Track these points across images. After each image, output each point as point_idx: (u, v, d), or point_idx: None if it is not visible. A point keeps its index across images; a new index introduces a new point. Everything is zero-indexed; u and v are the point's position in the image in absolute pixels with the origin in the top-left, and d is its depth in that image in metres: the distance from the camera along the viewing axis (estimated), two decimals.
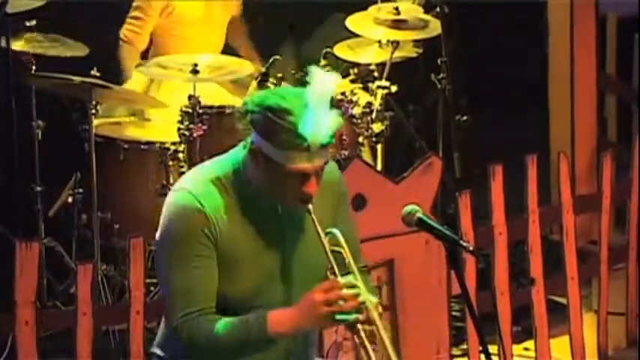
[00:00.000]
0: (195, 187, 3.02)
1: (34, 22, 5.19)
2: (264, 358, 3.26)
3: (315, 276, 3.15)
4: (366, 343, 3.12)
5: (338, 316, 3.00)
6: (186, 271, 3.07)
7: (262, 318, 3.03)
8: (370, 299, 3.04)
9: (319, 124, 3.01)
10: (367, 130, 5.14)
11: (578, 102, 7.10)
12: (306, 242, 3.11)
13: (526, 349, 5.13)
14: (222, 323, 2.98)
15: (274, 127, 2.96)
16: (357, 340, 3.11)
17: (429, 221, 2.98)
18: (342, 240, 3.06)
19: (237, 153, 3.05)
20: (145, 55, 5.48)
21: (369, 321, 3.05)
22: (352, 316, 2.99)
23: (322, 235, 3.03)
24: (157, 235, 3.13)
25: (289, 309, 3.07)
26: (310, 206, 3.09)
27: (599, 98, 7.17)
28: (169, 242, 3.05)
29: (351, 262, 3.08)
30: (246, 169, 3.06)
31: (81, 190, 5.22)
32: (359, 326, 3.08)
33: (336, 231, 3.07)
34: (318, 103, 3.01)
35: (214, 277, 3.08)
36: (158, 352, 3.37)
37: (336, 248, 3.08)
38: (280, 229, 3.17)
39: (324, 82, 3.04)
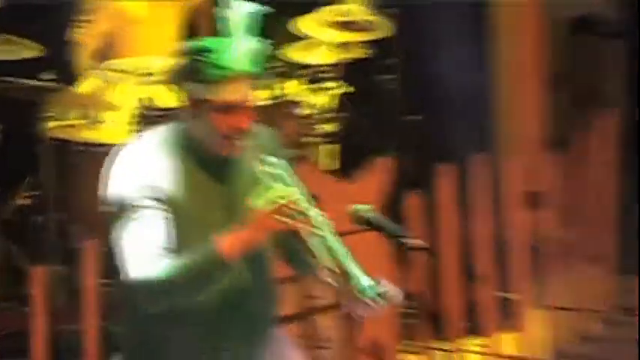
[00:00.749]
0: (136, 147, 3.21)
1: None
2: (229, 324, 3.38)
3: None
4: (312, 229, 3.25)
5: (283, 219, 3.14)
6: (139, 224, 3.23)
7: (210, 242, 3.17)
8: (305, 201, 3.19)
9: (238, 51, 3.16)
10: (319, 130, 5.27)
11: (525, 102, 7.46)
12: (249, 186, 3.26)
13: (476, 345, 5.36)
14: (175, 261, 3.13)
15: (197, 65, 3.14)
16: (303, 236, 3.24)
17: (378, 220, 3.10)
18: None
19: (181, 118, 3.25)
20: (101, 55, 5.52)
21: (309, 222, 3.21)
22: (296, 217, 3.15)
23: (260, 170, 3.19)
24: (108, 197, 3.29)
25: (235, 230, 3.22)
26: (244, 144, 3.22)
27: (546, 98, 7.38)
28: (121, 202, 3.23)
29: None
30: (188, 125, 3.24)
31: (36, 193, 5.34)
32: (302, 226, 3.23)
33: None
34: (236, 32, 3.18)
35: (164, 228, 3.22)
36: (118, 329, 3.48)
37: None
38: (225, 176, 3.33)
39: (239, 10, 3.18)
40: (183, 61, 3.25)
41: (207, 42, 3.21)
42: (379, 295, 3.18)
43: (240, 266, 3.28)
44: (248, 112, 3.27)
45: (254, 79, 3.26)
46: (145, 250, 3.23)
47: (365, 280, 3.22)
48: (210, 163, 3.32)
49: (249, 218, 3.21)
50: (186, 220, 3.28)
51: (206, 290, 3.31)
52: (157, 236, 3.23)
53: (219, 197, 3.31)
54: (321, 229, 3.21)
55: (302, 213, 3.18)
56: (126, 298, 3.42)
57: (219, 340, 3.45)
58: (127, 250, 3.26)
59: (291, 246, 3.47)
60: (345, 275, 3.29)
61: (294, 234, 3.28)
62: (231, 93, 3.25)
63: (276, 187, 3.23)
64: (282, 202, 3.18)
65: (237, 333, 3.44)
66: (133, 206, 3.22)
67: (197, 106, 3.23)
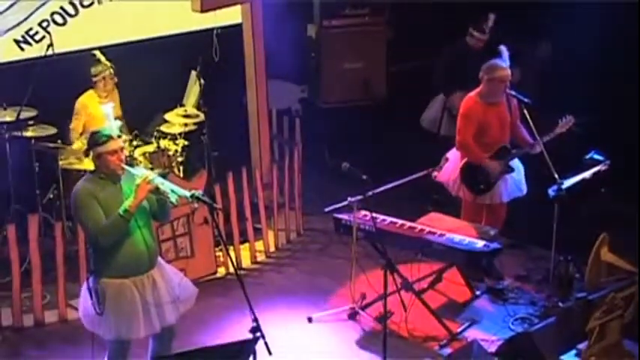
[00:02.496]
0: (81, 183, 6.53)
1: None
2: (136, 248, 6.64)
3: (144, 207, 6.65)
4: (159, 185, 6.50)
5: (149, 186, 6.34)
6: (90, 211, 6.46)
7: (123, 205, 6.39)
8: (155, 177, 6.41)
9: (111, 129, 6.47)
10: (173, 158, 9.57)
11: (261, 125, 10.30)
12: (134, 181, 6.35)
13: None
14: (110, 218, 6.43)
15: (94, 138, 6.49)
16: (163, 190, 6.45)
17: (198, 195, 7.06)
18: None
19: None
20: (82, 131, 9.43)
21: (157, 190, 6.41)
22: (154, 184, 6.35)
23: (139, 179, 6.38)
24: (72, 204, 6.53)
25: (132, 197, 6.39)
26: (126, 168, 6.39)
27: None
28: (78, 205, 6.51)
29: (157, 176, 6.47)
30: (97, 169, 6.52)
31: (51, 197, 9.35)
32: (162, 188, 6.46)
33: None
34: (109, 121, 6.53)
35: (102, 214, 6.47)
36: (92, 268, 6.71)
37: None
38: (121, 187, 6.55)
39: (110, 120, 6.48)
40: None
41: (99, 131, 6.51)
42: (201, 195, 6.50)
43: (135, 214, 6.45)
44: (122, 155, 6.51)
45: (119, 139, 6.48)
46: (96, 218, 6.42)
47: (190, 192, 6.52)
48: (116, 184, 6.53)
49: (136, 189, 6.43)
50: (109, 212, 6.44)
51: (124, 226, 6.45)
52: (98, 212, 6.46)
53: (123, 198, 6.47)
54: (163, 184, 6.48)
55: (153, 180, 6.45)
56: (90, 240, 6.55)
57: (136, 245, 6.59)
58: (87, 226, 6.48)
59: (156, 207, 6.65)
60: (181, 197, 6.51)
61: (157, 191, 6.42)
62: (112, 145, 6.48)
63: (142, 174, 6.47)
64: (147, 178, 6.42)
65: (140, 241, 6.58)
66: (86, 205, 6.46)
67: (98, 158, 6.50)
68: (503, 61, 8.95)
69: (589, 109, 9.41)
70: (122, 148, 6.55)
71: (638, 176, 9.56)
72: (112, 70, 9.71)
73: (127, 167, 6.52)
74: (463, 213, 9.09)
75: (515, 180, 9.14)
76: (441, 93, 10.41)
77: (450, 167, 9.14)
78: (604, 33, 10.12)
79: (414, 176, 9.06)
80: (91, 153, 6.58)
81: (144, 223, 6.69)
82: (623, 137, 9.78)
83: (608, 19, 10.14)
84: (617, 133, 9.79)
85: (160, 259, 6.95)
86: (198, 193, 6.57)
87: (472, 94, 8.98)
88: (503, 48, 9.09)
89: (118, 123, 6.64)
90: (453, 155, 9.19)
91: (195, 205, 6.70)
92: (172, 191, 6.52)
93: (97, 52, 9.79)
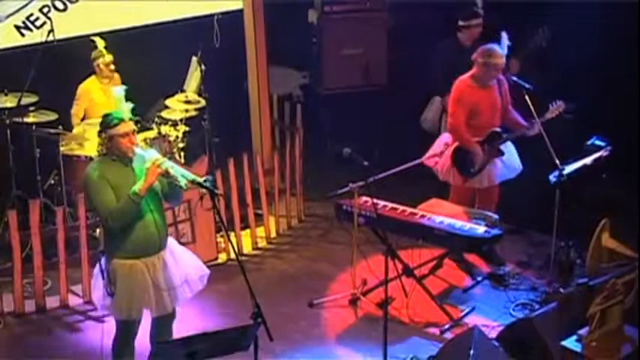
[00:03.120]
0: (92, 165, 6.60)
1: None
2: (147, 230, 6.67)
3: (153, 187, 6.63)
4: (169, 169, 6.58)
5: (158, 170, 6.40)
6: (101, 194, 6.52)
7: (133, 188, 6.42)
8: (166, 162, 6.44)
9: (123, 112, 6.58)
10: (174, 144, 9.73)
11: (262, 111, 10.41)
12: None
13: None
14: (122, 201, 6.50)
15: (106, 121, 6.57)
16: (172, 174, 6.50)
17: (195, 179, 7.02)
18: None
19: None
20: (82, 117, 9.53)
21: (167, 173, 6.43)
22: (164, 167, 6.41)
23: (148, 162, 6.43)
24: (84, 185, 6.63)
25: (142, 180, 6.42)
26: (137, 150, 6.43)
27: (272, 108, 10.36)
28: (89, 186, 6.57)
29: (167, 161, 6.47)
30: (109, 151, 6.57)
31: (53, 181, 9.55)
32: (172, 172, 6.51)
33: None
34: (121, 104, 6.60)
35: (112, 196, 6.53)
36: (104, 248, 6.78)
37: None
38: (133, 170, 6.58)
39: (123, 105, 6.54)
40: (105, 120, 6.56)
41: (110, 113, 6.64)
42: (209, 181, 6.62)
43: (147, 196, 6.55)
44: (134, 139, 6.62)
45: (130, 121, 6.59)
46: (107, 206, 6.51)
47: (200, 178, 6.61)
48: (128, 166, 6.60)
49: (147, 172, 6.50)
50: (120, 194, 6.50)
51: (134, 208, 6.53)
52: (109, 194, 6.55)
53: (135, 180, 6.51)
54: (172, 168, 6.52)
55: (163, 164, 6.51)
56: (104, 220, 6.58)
57: (147, 228, 6.64)
58: (99, 207, 6.53)
59: (167, 190, 6.69)
60: (190, 181, 6.54)
61: (167, 175, 6.45)
62: (124, 127, 6.60)
63: (152, 157, 6.54)
64: (157, 161, 6.49)
65: (151, 223, 6.64)
66: (97, 187, 6.53)
67: (110, 139, 6.57)
68: (501, 48, 8.87)
69: (588, 95, 9.45)
70: (134, 131, 6.63)
71: (638, 162, 9.60)
72: (111, 57, 9.75)
73: (138, 150, 6.59)
74: (451, 198, 9.08)
75: (506, 163, 9.12)
76: (438, 93, 10.32)
77: (438, 152, 9.17)
78: (604, 19, 10.06)
79: (415, 162, 9.05)
80: (103, 135, 6.65)
81: (155, 205, 6.75)
82: (623, 123, 9.81)
83: (609, 6, 10.03)
84: (617, 119, 9.79)
85: (172, 240, 7.02)
86: (208, 179, 6.70)
87: (464, 77, 8.95)
88: (504, 34, 9.04)
89: (130, 106, 6.67)
90: (443, 141, 9.20)
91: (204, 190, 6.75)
92: (182, 176, 6.58)
93: (97, 38, 9.82)
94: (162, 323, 7.00)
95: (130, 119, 6.67)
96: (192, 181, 6.59)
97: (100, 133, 6.66)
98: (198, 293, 7.21)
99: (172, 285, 6.73)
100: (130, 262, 6.71)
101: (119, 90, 6.68)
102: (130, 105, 6.70)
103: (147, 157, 6.61)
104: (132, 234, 6.64)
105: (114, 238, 6.70)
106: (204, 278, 7.09)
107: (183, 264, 6.89)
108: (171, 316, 6.98)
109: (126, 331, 6.90)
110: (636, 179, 9.45)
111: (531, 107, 8.77)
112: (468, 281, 9.16)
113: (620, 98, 9.96)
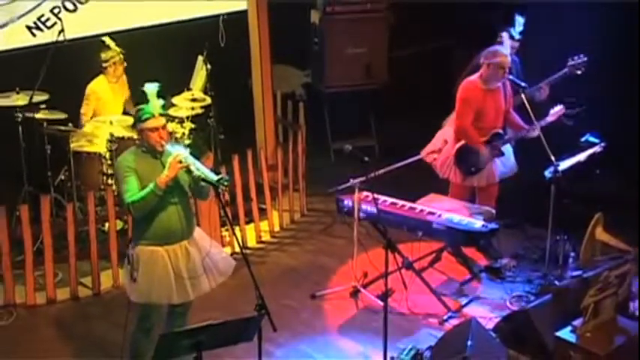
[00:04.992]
0: (124, 155, 6.73)
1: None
2: (170, 220, 6.78)
3: (178, 181, 6.72)
4: (191, 164, 6.60)
5: (179, 165, 6.49)
6: (126, 182, 6.66)
7: (155, 181, 6.51)
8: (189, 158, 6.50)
9: (154, 107, 6.67)
10: (180, 142, 9.42)
11: (266, 109, 10.33)
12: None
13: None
14: (144, 191, 6.57)
15: (138, 114, 6.65)
16: (193, 170, 6.55)
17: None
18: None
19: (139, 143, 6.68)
20: (92, 115, 9.55)
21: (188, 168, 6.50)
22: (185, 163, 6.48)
23: (170, 157, 6.50)
24: (114, 173, 7.45)
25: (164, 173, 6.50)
26: (166, 146, 6.53)
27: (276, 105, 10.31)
28: (117, 175, 6.80)
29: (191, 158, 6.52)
30: (142, 143, 6.68)
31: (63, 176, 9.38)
32: (192, 168, 6.58)
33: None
34: (153, 100, 6.65)
35: (137, 186, 6.61)
36: (131, 235, 7.00)
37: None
38: (161, 163, 6.65)
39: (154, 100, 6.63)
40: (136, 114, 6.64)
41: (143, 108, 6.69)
42: (225, 179, 6.56)
43: (172, 189, 6.63)
44: (164, 134, 6.65)
45: (162, 116, 6.68)
46: (130, 189, 6.62)
47: (219, 175, 6.60)
48: (157, 159, 6.67)
49: (168, 166, 6.58)
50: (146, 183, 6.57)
51: (154, 199, 6.59)
52: (133, 183, 6.61)
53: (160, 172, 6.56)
54: (194, 164, 6.59)
55: (185, 159, 6.59)
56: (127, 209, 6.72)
57: (169, 218, 6.75)
58: (124, 193, 6.63)
59: (193, 185, 6.71)
60: (202, 179, 6.60)
61: (189, 171, 6.52)
62: (154, 122, 6.66)
63: (175, 152, 6.62)
64: (178, 157, 6.57)
65: (173, 216, 6.75)
66: (124, 174, 6.65)
67: (142, 132, 6.67)
68: (504, 48, 9.00)
69: (590, 99, 9.37)
70: (164, 126, 6.75)
71: (637, 157, 9.65)
72: (121, 56, 9.84)
73: (166, 145, 6.72)
74: (450, 194, 9.15)
75: (504, 162, 9.25)
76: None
77: (437, 149, 9.27)
78: (606, 22, 10.04)
79: (415, 158, 9.17)
80: (136, 127, 6.85)
81: (179, 199, 6.86)
82: (620, 120, 9.81)
83: (612, 8, 9.95)
84: (613, 116, 9.75)
85: (200, 231, 7.14)
86: (225, 178, 6.72)
87: (472, 78, 9.03)
88: (504, 34, 9.15)
89: (161, 102, 6.77)
90: (441, 137, 9.31)
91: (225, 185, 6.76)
92: (199, 175, 6.70)
93: (107, 38, 9.92)
94: (179, 312, 7.11)
95: (161, 115, 6.80)
96: (204, 180, 6.67)
97: (132, 125, 7.03)
98: None
99: (195, 273, 6.83)
100: (152, 248, 6.83)
101: (152, 86, 6.78)
102: (161, 101, 6.81)
103: (171, 151, 6.74)
104: (154, 222, 6.77)
105: (138, 225, 6.87)
106: (230, 269, 7.20)
107: (206, 254, 6.97)
108: (188, 305, 7.09)
109: (147, 316, 7.00)
110: (630, 175, 9.60)
111: (527, 106, 8.82)
112: (466, 274, 9.24)
113: (616, 99, 10.02)
